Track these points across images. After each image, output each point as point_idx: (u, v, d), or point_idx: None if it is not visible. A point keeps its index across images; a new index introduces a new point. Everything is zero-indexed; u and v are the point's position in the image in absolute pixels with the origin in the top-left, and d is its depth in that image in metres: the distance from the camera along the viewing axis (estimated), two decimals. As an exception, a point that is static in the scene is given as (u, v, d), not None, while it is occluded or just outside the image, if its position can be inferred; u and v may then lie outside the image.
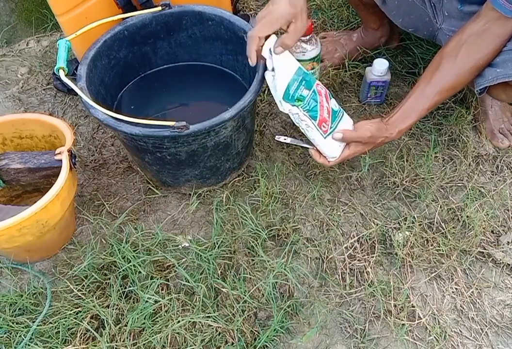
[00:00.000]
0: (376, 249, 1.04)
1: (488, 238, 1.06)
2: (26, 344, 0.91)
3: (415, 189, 1.12)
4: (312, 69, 1.18)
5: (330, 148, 0.97)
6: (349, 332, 0.95)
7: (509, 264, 1.02)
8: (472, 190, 1.12)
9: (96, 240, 1.04)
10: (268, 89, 1.30)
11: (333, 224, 1.07)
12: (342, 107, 0.99)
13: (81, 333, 0.91)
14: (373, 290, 0.97)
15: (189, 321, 0.92)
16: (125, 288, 0.97)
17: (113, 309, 0.93)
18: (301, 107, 0.91)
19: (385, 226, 1.07)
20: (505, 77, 0.89)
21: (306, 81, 0.92)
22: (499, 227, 1.08)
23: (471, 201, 1.09)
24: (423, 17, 1.10)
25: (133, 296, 0.96)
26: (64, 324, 0.92)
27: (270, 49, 0.88)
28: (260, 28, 0.87)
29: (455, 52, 0.92)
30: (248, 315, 0.94)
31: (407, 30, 1.16)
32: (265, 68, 0.91)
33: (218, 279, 0.97)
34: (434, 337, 0.94)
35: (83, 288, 0.97)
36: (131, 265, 0.96)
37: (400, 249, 1.02)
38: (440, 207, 1.10)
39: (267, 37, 0.89)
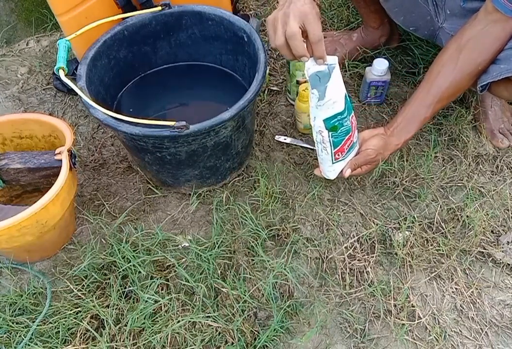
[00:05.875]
0: (376, 249, 1.04)
1: (488, 238, 1.06)
2: (26, 344, 0.90)
3: (415, 189, 1.12)
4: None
5: (331, 172, 1.00)
6: (349, 332, 0.95)
7: (509, 264, 1.02)
8: (472, 190, 1.12)
9: (96, 240, 1.04)
10: (268, 89, 1.31)
11: (333, 224, 1.07)
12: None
13: (81, 333, 0.91)
14: (373, 290, 0.97)
15: (189, 321, 0.92)
16: (125, 288, 0.97)
17: (113, 309, 0.93)
18: (332, 134, 0.89)
19: (385, 226, 1.07)
20: (510, 72, 0.88)
21: (349, 110, 0.89)
22: (499, 227, 1.07)
23: (471, 201, 1.09)
24: (424, 15, 1.10)
25: (133, 296, 0.96)
26: (64, 324, 0.92)
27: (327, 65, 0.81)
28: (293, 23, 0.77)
29: (455, 58, 0.93)
30: (248, 315, 0.94)
31: (408, 29, 1.16)
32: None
33: (218, 279, 0.97)
34: (434, 337, 0.94)
35: (83, 288, 0.97)
36: (131, 265, 0.96)
37: (400, 249, 1.02)
38: (440, 207, 1.10)
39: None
